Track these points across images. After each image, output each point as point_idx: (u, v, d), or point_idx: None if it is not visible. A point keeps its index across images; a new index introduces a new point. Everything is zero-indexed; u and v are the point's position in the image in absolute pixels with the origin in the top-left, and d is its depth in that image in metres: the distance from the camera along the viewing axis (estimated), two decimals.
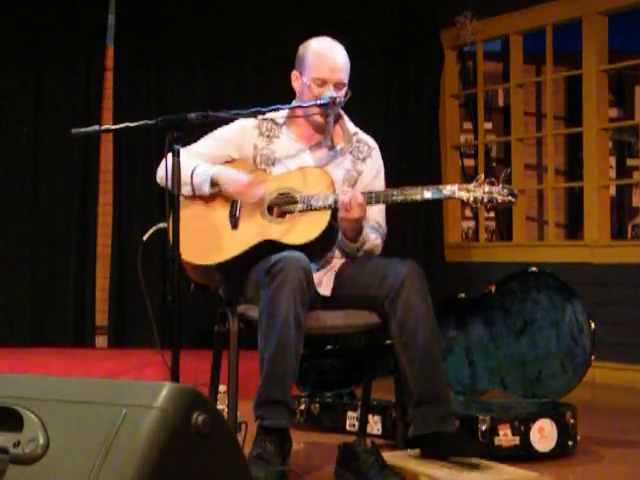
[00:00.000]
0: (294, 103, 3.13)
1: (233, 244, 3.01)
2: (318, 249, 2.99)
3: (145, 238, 2.94)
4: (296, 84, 3.13)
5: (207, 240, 3.04)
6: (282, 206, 3.02)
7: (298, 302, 2.75)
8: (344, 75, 3.06)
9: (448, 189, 2.90)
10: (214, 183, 3.03)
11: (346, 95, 3.06)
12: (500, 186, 2.87)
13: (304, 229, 2.95)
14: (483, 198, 2.87)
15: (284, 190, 3.03)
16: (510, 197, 2.88)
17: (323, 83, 3.04)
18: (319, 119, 3.07)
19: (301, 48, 3.13)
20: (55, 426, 1.64)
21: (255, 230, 3.00)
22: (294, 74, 3.14)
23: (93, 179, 5.74)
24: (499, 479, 2.80)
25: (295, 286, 2.74)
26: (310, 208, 2.96)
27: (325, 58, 3.06)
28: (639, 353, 5.19)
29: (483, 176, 2.91)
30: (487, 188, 2.87)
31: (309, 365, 3.97)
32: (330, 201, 2.95)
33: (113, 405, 1.62)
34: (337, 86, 3.04)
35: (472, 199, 2.88)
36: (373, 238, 3.08)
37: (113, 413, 1.60)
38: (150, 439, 1.55)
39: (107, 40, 5.79)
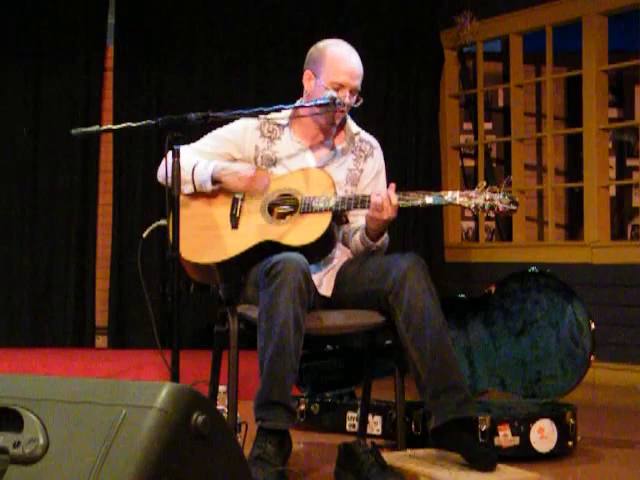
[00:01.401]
0: (299, 102, 3.11)
1: (233, 244, 3.00)
2: (317, 251, 2.98)
3: (145, 235, 2.94)
4: (308, 84, 3.11)
5: (207, 239, 3.03)
6: (283, 207, 3.02)
7: (297, 303, 2.74)
8: (359, 81, 3.07)
9: (449, 195, 2.90)
10: (215, 181, 3.03)
11: (357, 101, 3.06)
12: (501, 194, 2.87)
13: (304, 231, 2.94)
14: (484, 205, 2.87)
15: (285, 191, 3.02)
16: (512, 205, 2.87)
17: (340, 87, 3.03)
18: (325, 119, 3.06)
19: (316, 49, 3.11)
20: (55, 426, 1.64)
21: (255, 230, 2.99)
22: (307, 73, 3.11)
23: (93, 179, 5.74)
24: (499, 479, 2.80)
25: (294, 287, 2.74)
26: (311, 210, 2.96)
27: (344, 63, 3.05)
28: (639, 353, 5.19)
29: (485, 183, 2.91)
30: (488, 195, 2.87)
31: (309, 365, 3.97)
32: (331, 203, 2.94)
33: (113, 405, 1.62)
34: (352, 92, 3.04)
35: (473, 206, 2.88)
36: (385, 237, 3.08)
37: (113, 413, 1.60)
38: (150, 439, 1.55)
39: (107, 40, 5.80)
